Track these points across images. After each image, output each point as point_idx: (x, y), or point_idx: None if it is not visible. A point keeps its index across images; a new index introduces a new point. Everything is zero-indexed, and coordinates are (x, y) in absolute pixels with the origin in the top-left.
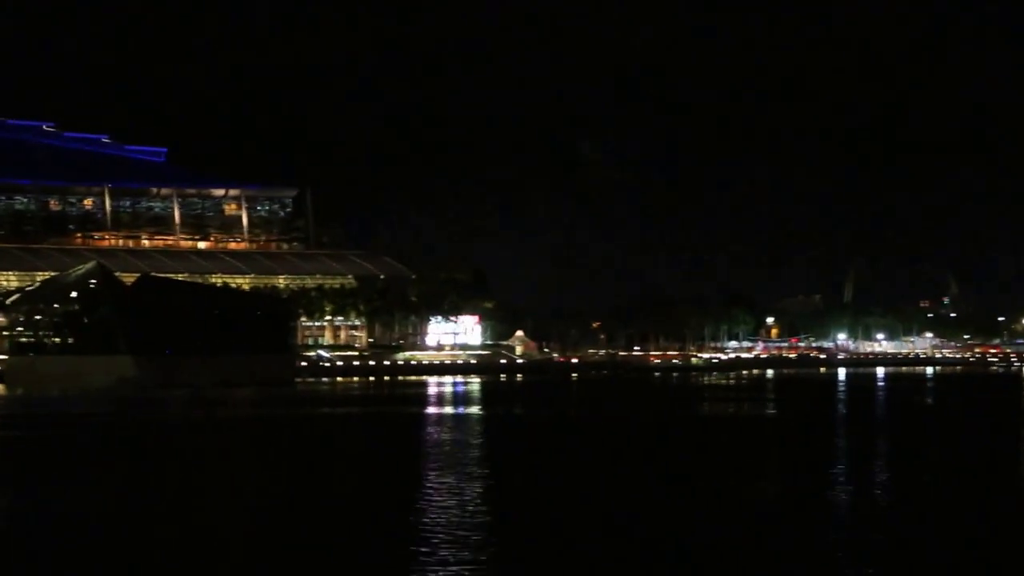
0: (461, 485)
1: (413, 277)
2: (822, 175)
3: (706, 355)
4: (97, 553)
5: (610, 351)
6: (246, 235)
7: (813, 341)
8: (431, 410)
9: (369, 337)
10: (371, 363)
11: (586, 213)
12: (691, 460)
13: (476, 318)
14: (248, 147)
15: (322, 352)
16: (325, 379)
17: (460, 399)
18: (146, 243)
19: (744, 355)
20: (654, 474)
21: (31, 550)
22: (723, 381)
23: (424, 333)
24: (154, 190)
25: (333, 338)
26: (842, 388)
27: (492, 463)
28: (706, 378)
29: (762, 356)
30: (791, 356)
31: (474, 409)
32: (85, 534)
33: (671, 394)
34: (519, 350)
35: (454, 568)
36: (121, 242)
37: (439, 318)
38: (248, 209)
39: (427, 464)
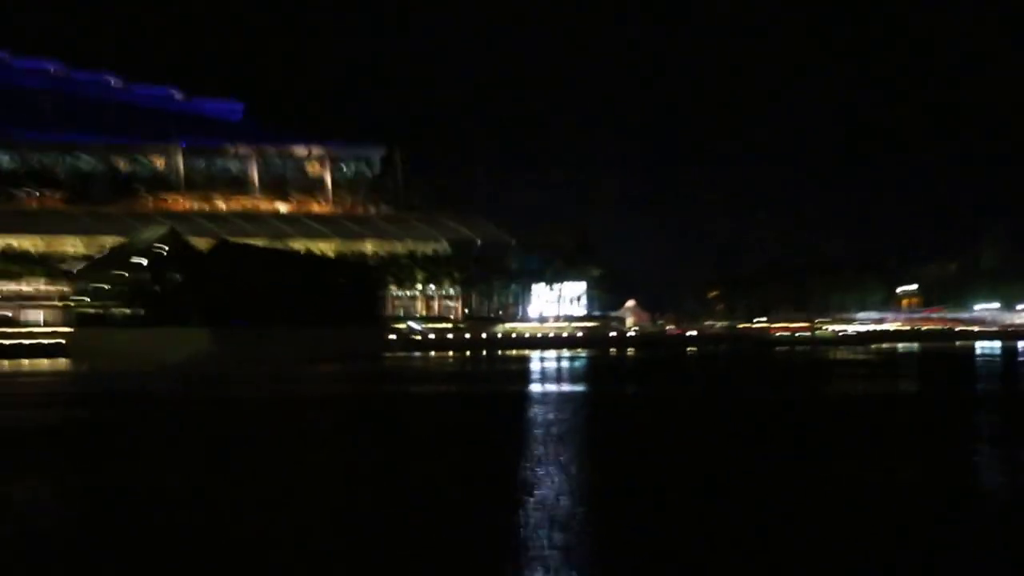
0: (565, 470)
1: (513, 242)
2: (958, 133)
3: (834, 327)
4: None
5: (729, 323)
6: (330, 197)
7: (951, 311)
8: (533, 388)
9: (465, 308)
10: (467, 336)
11: (702, 175)
12: (818, 443)
13: (583, 287)
14: (332, 102)
15: (413, 324)
16: (417, 353)
17: (566, 375)
18: (222, 206)
19: (875, 327)
20: (777, 456)
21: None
22: (853, 356)
23: (525, 303)
24: (230, 148)
25: (425, 309)
26: (983, 363)
27: (600, 446)
28: (834, 352)
29: (895, 328)
30: (927, 328)
31: (581, 387)
32: (124, 526)
33: (796, 370)
34: (630, 321)
35: (551, 563)
36: (195, 205)
37: (542, 287)
38: (332, 169)
39: (528, 448)
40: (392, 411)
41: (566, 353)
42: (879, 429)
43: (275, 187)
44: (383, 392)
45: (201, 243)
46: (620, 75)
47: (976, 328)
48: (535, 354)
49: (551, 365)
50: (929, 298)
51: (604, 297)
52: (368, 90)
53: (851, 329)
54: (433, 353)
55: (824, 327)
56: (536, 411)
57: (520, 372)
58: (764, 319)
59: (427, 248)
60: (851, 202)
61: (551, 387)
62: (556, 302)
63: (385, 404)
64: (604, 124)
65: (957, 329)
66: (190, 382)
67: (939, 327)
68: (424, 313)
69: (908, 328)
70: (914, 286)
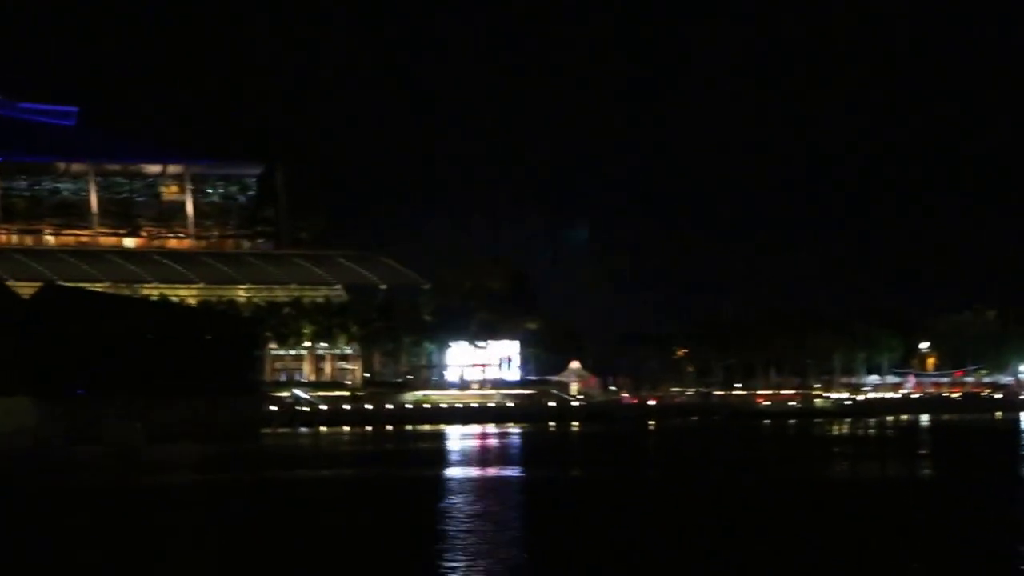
0: None
1: (426, 287)
2: (991, 153)
3: (836, 395)
4: None
5: (702, 389)
6: (192, 229)
7: (985, 374)
8: (452, 472)
9: (365, 371)
10: (368, 407)
11: (664, 200)
12: (819, 542)
13: (515, 345)
14: (195, 108)
15: (299, 392)
16: (304, 429)
17: (493, 457)
18: (51, 239)
19: (889, 394)
20: (761, 561)
21: None
22: (859, 431)
23: (442, 365)
24: (62, 165)
25: (315, 372)
26: None
27: (538, 546)
28: (836, 427)
29: (914, 395)
30: (955, 395)
31: (513, 471)
32: None
33: (788, 449)
34: (575, 388)
35: None
36: (15, 238)
37: (464, 344)
38: (195, 192)
39: (444, 548)
40: (270, 500)
41: (492, 429)
42: (869, 521)
43: (120, 216)
44: (259, 479)
45: (25, 288)
46: (559, 81)
47: (1019, 395)
48: (454, 429)
49: (474, 444)
50: (959, 357)
51: (543, 357)
52: (242, 95)
53: (858, 397)
54: (324, 429)
55: (823, 395)
56: (453, 501)
57: (434, 452)
58: (746, 385)
59: (317, 294)
60: (859, 244)
61: (473, 471)
62: (481, 364)
63: (261, 492)
64: (544, 139)
65: (995, 396)
66: (5, 464)
67: (970, 394)
68: (313, 378)
69: (930, 396)
70: (937, 343)
